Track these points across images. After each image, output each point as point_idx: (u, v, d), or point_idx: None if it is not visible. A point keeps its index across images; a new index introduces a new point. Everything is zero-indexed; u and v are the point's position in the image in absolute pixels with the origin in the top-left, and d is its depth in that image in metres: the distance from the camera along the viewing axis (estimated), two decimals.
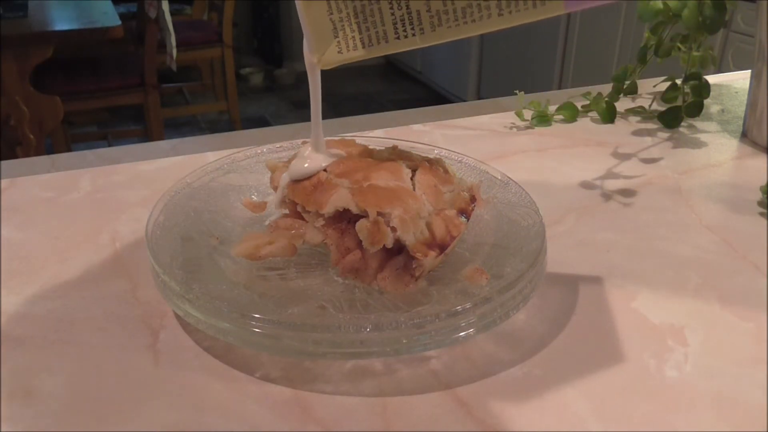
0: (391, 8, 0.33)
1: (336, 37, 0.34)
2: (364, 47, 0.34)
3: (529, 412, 0.32)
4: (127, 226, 0.48)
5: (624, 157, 0.61)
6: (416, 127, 0.68)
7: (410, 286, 0.37)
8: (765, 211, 0.51)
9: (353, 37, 0.34)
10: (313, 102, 0.39)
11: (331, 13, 0.34)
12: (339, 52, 0.35)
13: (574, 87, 0.79)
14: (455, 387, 0.34)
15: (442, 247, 0.36)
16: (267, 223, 0.42)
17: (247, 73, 3.46)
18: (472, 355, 0.36)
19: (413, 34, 0.34)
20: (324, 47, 0.35)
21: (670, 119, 0.68)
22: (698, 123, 0.69)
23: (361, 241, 0.36)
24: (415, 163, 0.40)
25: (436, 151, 0.49)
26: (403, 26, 0.33)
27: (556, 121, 0.69)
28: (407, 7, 0.33)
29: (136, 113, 2.63)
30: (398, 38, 0.34)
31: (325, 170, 0.39)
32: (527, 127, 0.68)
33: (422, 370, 0.35)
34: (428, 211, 0.37)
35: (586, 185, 0.56)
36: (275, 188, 0.42)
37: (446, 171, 0.41)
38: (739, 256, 0.45)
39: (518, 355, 0.36)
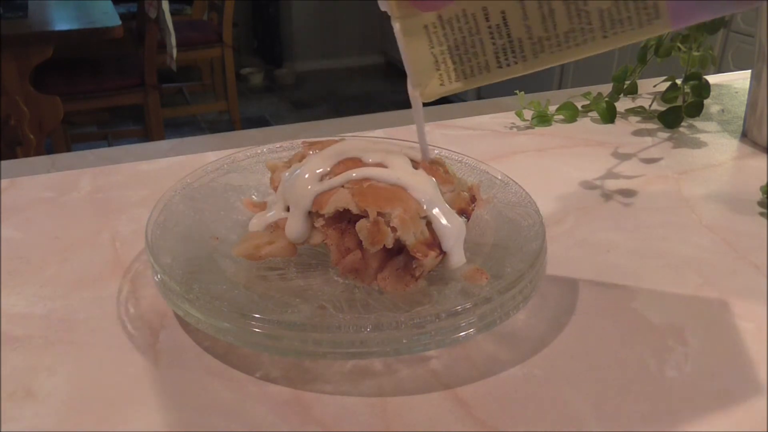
0: (492, 38, 0.33)
1: (438, 69, 0.34)
2: (466, 78, 0.34)
3: (529, 412, 0.32)
4: (127, 226, 0.48)
5: (624, 157, 0.61)
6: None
7: (410, 286, 0.37)
8: (765, 211, 0.51)
9: (455, 69, 0.34)
10: (418, 129, 0.40)
11: (432, 47, 0.34)
12: (441, 84, 0.35)
13: (574, 87, 0.79)
14: (455, 387, 0.34)
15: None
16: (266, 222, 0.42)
17: (247, 73, 3.46)
18: (472, 355, 0.36)
19: (515, 62, 0.33)
20: (426, 81, 0.35)
21: (670, 119, 0.68)
22: (698, 123, 0.69)
23: (361, 241, 0.36)
24: (416, 163, 0.40)
25: (436, 151, 0.49)
26: (505, 55, 0.33)
27: (556, 121, 0.69)
28: (508, 35, 0.33)
29: (136, 113, 2.63)
30: (500, 67, 0.34)
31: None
32: (527, 127, 0.68)
33: (422, 370, 0.35)
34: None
35: (586, 185, 0.56)
36: (275, 188, 0.42)
37: (446, 171, 0.41)
38: (739, 256, 0.45)
39: (518, 355, 0.36)
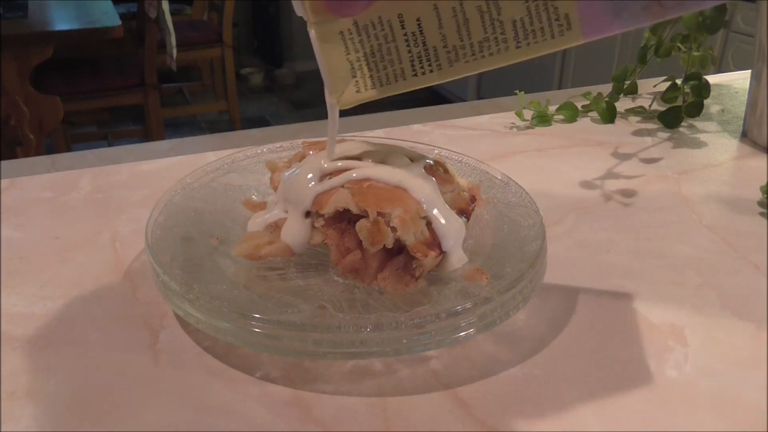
0: (408, 46, 0.33)
1: (354, 77, 0.34)
2: (382, 86, 0.34)
3: (529, 412, 0.32)
4: (127, 226, 0.48)
5: (624, 157, 0.61)
6: (416, 127, 0.68)
7: (410, 286, 0.37)
8: (765, 211, 0.51)
9: (371, 76, 0.34)
10: (329, 138, 0.39)
11: (348, 54, 0.34)
12: (357, 91, 0.35)
13: (574, 87, 0.79)
14: (455, 387, 0.34)
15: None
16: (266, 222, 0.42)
17: (247, 73, 3.46)
18: (472, 355, 0.36)
19: (431, 71, 0.33)
20: (342, 87, 0.35)
21: (670, 119, 0.68)
22: (698, 123, 0.69)
23: (361, 241, 0.36)
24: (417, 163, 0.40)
25: (436, 151, 0.49)
26: (420, 63, 0.33)
27: (556, 121, 0.69)
28: (423, 43, 0.33)
29: (136, 113, 2.63)
30: (416, 75, 0.34)
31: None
32: (527, 127, 0.68)
33: (422, 370, 0.35)
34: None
35: (586, 185, 0.56)
36: (275, 188, 0.42)
37: (446, 171, 0.41)
38: (739, 256, 0.45)
39: (518, 355, 0.36)
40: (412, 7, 0.32)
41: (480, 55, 0.33)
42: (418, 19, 0.32)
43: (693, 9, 0.30)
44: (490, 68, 0.33)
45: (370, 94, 0.35)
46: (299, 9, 0.33)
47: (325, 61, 0.34)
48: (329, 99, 0.35)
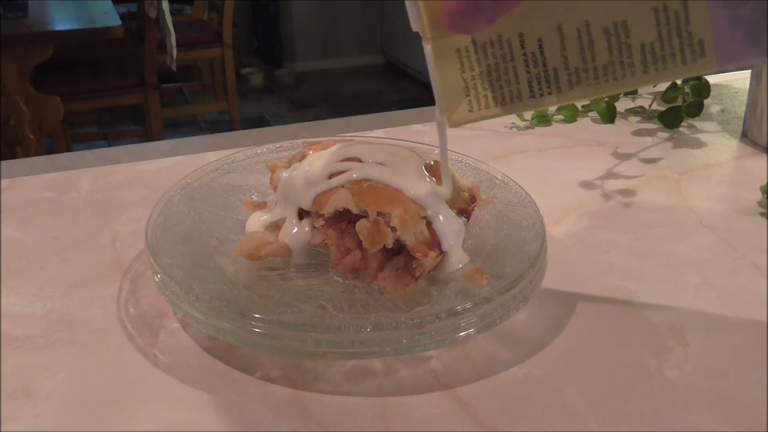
0: (527, 66, 0.31)
1: (467, 95, 0.33)
2: (496, 106, 0.33)
3: (529, 412, 0.32)
4: (127, 226, 0.48)
5: (624, 157, 0.61)
6: (416, 127, 0.68)
7: (410, 286, 0.37)
8: (765, 211, 0.51)
9: (485, 95, 0.32)
10: (442, 157, 0.38)
11: (464, 72, 0.32)
12: (470, 110, 0.33)
13: None
14: (455, 387, 0.34)
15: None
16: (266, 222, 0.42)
17: (247, 73, 3.46)
18: (472, 355, 0.36)
19: (549, 93, 0.32)
20: (455, 106, 0.33)
21: (670, 119, 0.68)
22: (698, 123, 0.69)
23: (361, 241, 0.36)
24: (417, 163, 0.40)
25: (436, 151, 0.49)
26: (539, 85, 0.32)
27: (556, 121, 0.69)
28: (544, 64, 0.31)
29: (136, 113, 2.63)
30: (533, 97, 0.32)
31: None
32: (527, 127, 0.68)
33: (422, 370, 0.35)
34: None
35: (586, 185, 0.56)
36: (275, 188, 0.42)
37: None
38: (739, 256, 0.45)
39: (518, 355, 0.36)
40: (534, 26, 0.31)
41: (603, 79, 0.31)
42: (539, 39, 0.31)
43: None
44: (613, 93, 0.32)
45: (483, 114, 0.33)
46: (415, 24, 0.31)
47: (439, 78, 0.32)
48: (439, 117, 0.34)
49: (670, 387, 0.34)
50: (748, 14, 0.29)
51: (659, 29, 0.30)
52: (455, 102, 0.33)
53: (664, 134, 0.66)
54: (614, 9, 0.30)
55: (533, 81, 0.32)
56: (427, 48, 0.31)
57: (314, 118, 0.70)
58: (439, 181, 0.39)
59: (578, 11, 0.30)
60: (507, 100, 0.32)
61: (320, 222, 0.38)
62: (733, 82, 0.81)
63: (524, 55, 0.31)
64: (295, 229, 0.39)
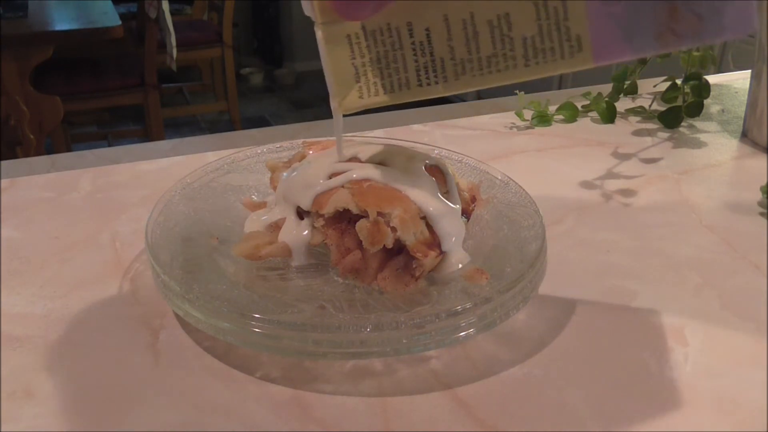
0: (415, 55, 0.32)
1: (358, 82, 0.34)
2: (385, 93, 0.34)
3: (529, 412, 0.32)
4: (127, 226, 0.48)
5: (624, 157, 0.61)
6: (416, 127, 0.68)
7: (410, 286, 0.37)
8: (765, 211, 0.51)
9: (375, 83, 0.33)
10: (337, 140, 0.39)
11: (354, 58, 0.33)
12: (360, 97, 0.34)
13: (574, 87, 0.79)
14: (455, 387, 0.34)
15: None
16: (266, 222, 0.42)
17: (247, 73, 3.46)
18: (472, 355, 0.36)
19: (436, 82, 0.33)
20: (345, 91, 0.34)
21: (670, 119, 0.68)
22: (698, 123, 0.69)
23: (361, 241, 0.36)
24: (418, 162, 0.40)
25: (436, 151, 0.49)
26: (426, 73, 0.33)
27: (556, 121, 0.69)
28: (431, 54, 0.32)
29: (136, 113, 2.63)
30: (420, 85, 0.33)
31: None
32: (527, 127, 0.68)
33: (422, 370, 0.35)
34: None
35: (586, 185, 0.56)
36: (275, 188, 0.42)
37: (446, 176, 0.41)
38: (739, 256, 0.45)
39: (518, 355, 0.36)
40: (422, 16, 0.32)
41: (487, 70, 0.32)
42: (427, 29, 0.32)
43: (708, 41, 0.30)
44: (497, 84, 0.32)
45: (372, 101, 0.34)
46: (307, 8, 0.32)
47: (330, 63, 0.33)
48: (332, 102, 0.35)
49: (670, 387, 0.34)
50: (621, 12, 0.29)
51: (539, 23, 0.30)
52: (346, 88, 0.34)
53: (664, 134, 0.66)
54: (498, 2, 0.31)
55: (421, 70, 0.33)
56: (318, 33, 0.32)
57: (314, 118, 0.70)
58: (439, 181, 0.39)
59: (464, 3, 0.31)
60: (395, 88, 0.33)
61: (320, 222, 0.38)
62: (733, 82, 0.81)
63: (413, 44, 0.32)
64: (295, 229, 0.39)
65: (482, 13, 0.31)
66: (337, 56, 0.33)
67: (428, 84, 0.33)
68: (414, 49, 0.32)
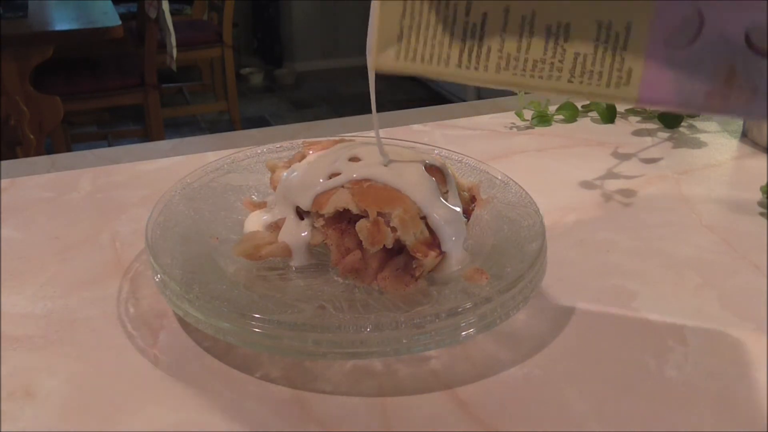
0: (464, 35, 0.31)
1: (399, 42, 0.33)
2: (422, 62, 0.32)
3: (529, 412, 0.32)
4: (127, 226, 0.48)
5: (624, 157, 0.61)
6: (416, 127, 0.68)
7: (410, 286, 0.37)
8: (765, 211, 0.51)
9: (415, 48, 0.32)
10: (372, 96, 0.38)
11: (404, 18, 0.32)
12: (396, 58, 0.33)
13: None
14: (455, 387, 0.34)
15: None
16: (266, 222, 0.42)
17: (247, 73, 3.45)
18: (472, 355, 0.36)
19: (476, 68, 0.32)
20: (383, 48, 0.33)
21: (670, 119, 0.68)
22: (698, 123, 0.69)
23: (361, 241, 0.36)
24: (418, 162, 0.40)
25: (436, 151, 0.49)
26: (468, 57, 0.31)
27: (556, 121, 0.69)
28: (480, 39, 0.31)
29: (136, 113, 2.63)
30: (459, 67, 0.32)
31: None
32: (527, 127, 0.68)
33: (422, 370, 0.35)
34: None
35: (586, 185, 0.56)
36: (275, 188, 0.42)
37: (445, 176, 0.41)
38: (739, 256, 0.45)
39: (518, 355, 0.36)
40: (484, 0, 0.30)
41: (530, 73, 0.31)
42: (484, 14, 0.31)
43: (753, 118, 0.28)
44: (535, 91, 0.31)
45: (406, 66, 0.33)
46: None
47: (378, 16, 0.32)
48: (368, 57, 0.34)
49: (670, 387, 0.34)
50: (682, 60, 0.28)
51: (596, 44, 0.29)
52: (385, 44, 0.33)
53: (664, 134, 0.66)
54: (562, 9, 0.30)
55: (464, 52, 0.32)
56: None
57: (314, 118, 0.70)
58: (439, 181, 0.39)
59: (529, 1, 0.30)
60: (434, 61, 0.32)
61: (320, 222, 0.38)
62: None
63: (466, 23, 0.31)
64: (295, 229, 0.39)
65: (544, 16, 0.30)
66: (388, 11, 0.32)
67: (467, 68, 0.32)
68: (465, 29, 0.31)
